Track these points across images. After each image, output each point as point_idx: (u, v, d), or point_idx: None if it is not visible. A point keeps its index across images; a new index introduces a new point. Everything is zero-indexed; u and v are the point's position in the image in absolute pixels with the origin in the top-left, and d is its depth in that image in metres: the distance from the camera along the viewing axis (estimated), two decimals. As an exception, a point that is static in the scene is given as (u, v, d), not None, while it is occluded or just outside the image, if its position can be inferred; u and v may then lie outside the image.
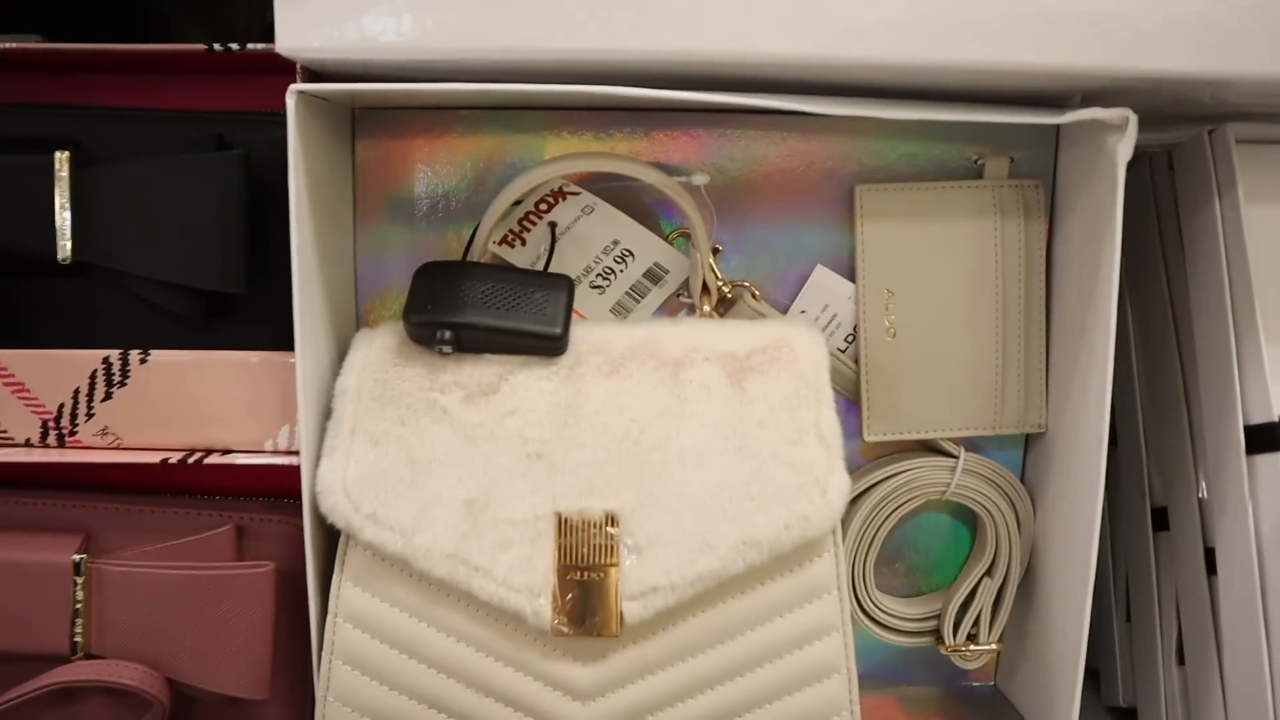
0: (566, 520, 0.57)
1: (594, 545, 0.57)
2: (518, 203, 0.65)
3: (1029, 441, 0.69)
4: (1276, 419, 0.60)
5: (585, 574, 0.56)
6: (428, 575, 0.57)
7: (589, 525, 0.57)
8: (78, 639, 0.61)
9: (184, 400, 0.62)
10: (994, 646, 0.69)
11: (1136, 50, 0.55)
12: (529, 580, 0.56)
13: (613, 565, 0.56)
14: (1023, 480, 0.69)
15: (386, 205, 0.68)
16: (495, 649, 0.57)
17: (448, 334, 0.59)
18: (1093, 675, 0.82)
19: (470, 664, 0.57)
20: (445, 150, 0.67)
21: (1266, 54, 0.56)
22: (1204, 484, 0.66)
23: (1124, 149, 0.58)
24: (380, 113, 0.67)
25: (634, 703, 0.57)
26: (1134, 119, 0.58)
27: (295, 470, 0.59)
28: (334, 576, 0.59)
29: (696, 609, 0.57)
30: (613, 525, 0.57)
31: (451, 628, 0.57)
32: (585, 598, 0.56)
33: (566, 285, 0.61)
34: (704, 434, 0.58)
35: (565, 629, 0.56)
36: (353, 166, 0.67)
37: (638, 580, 0.56)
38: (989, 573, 0.68)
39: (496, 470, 0.58)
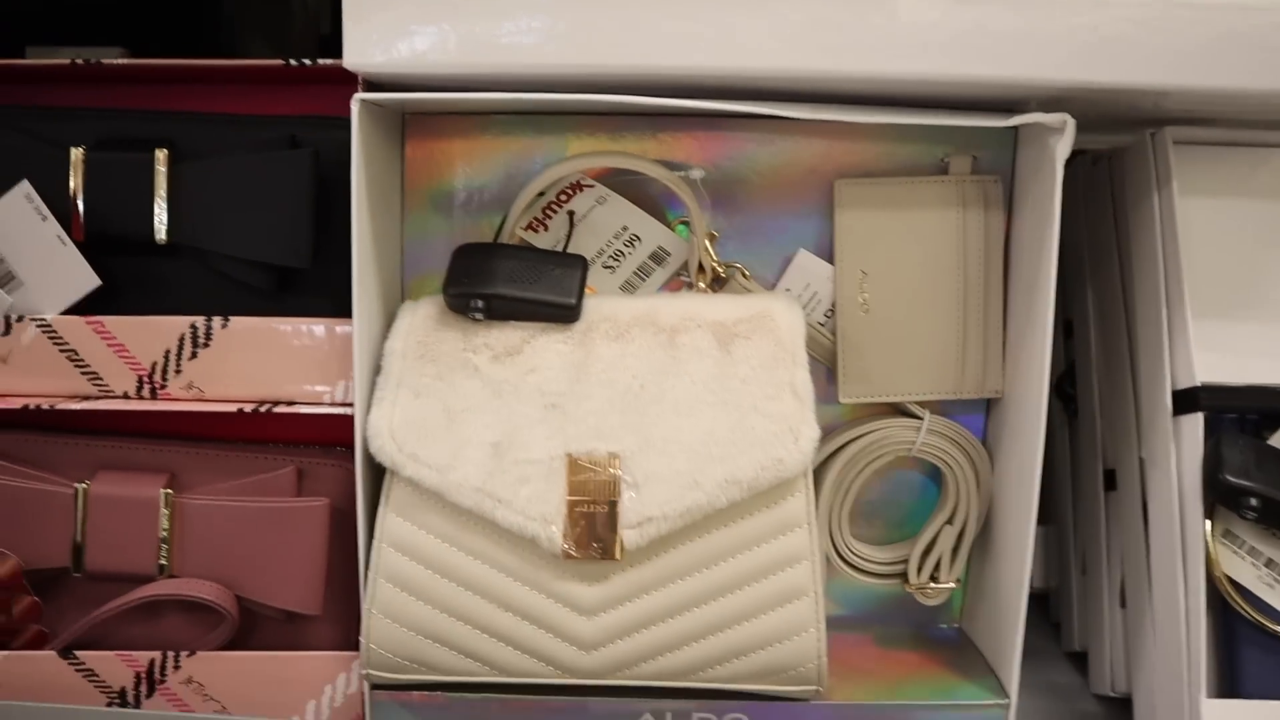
0: (576, 460, 0.67)
1: (599, 482, 0.67)
2: (541, 194, 0.75)
3: (989, 407, 0.78)
4: (1198, 384, 0.69)
5: (591, 506, 0.66)
6: (458, 506, 0.67)
7: (596, 464, 0.67)
8: (163, 562, 0.73)
9: (257, 360, 0.72)
10: (951, 585, 0.78)
11: (1071, 64, 0.64)
12: (544, 510, 0.66)
13: (615, 499, 0.66)
14: (984, 441, 0.78)
15: (430, 198, 0.78)
16: (514, 570, 0.67)
17: (480, 303, 0.70)
18: (1056, 627, 0.91)
19: (493, 583, 0.67)
20: (480, 150, 0.77)
21: (1196, 67, 0.64)
22: (1142, 446, 0.75)
23: (1062, 149, 0.67)
24: (426, 118, 0.77)
25: (631, 618, 0.67)
26: (1071, 122, 0.66)
27: (349, 420, 0.70)
28: (379, 508, 0.69)
29: (686, 538, 0.67)
30: (615, 465, 0.67)
31: (478, 552, 0.67)
32: (591, 526, 0.66)
33: (581, 263, 0.71)
34: (695, 389, 0.68)
35: (574, 552, 0.66)
36: (401, 164, 0.78)
37: (636, 512, 0.66)
38: (950, 521, 0.77)
39: (518, 418, 0.68)
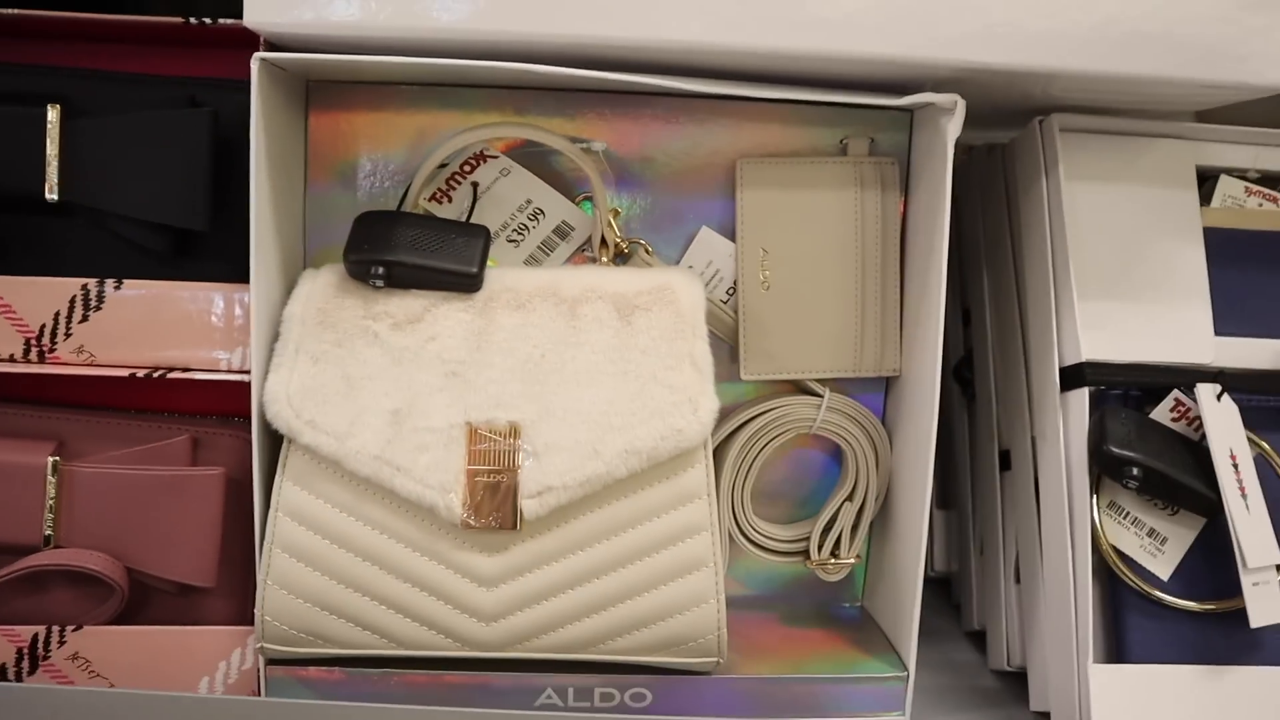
0: (476, 429, 0.67)
1: (499, 451, 0.66)
2: (444, 165, 0.75)
3: (888, 386, 0.80)
4: (1083, 360, 0.71)
5: (491, 475, 0.66)
6: (357, 474, 0.66)
7: (495, 433, 0.67)
8: (48, 532, 0.70)
9: (151, 324, 0.71)
10: (852, 560, 0.79)
11: (963, 45, 0.65)
12: (443, 479, 0.66)
13: (514, 468, 0.66)
14: (883, 421, 0.79)
15: (333, 170, 0.77)
16: (413, 541, 0.66)
17: (380, 270, 0.69)
18: (957, 609, 0.93)
19: (392, 553, 0.67)
20: (385, 122, 0.77)
21: (1081, 52, 0.66)
22: (1033, 424, 0.77)
23: (953, 128, 0.69)
24: (330, 87, 0.77)
25: (531, 589, 0.67)
26: (962, 103, 0.68)
27: (246, 388, 0.69)
28: (276, 477, 0.68)
29: (586, 509, 0.67)
30: (515, 434, 0.67)
31: (376, 522, 0.67)
32: (490, 496, 0.66)
33: (483, 233, 0.71)
34: (595, 359, 0.68)
35: (473, 522, 0.65)
36: (305, 133, 0.77)
37: (535, 481, 0.66)
38: (850, 498, 0.78)
39: (418, 386, 0.68)
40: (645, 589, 0.67)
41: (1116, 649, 0.71)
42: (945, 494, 0.95)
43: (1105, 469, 0.70)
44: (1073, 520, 0.71)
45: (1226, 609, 0.69)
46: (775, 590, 0.83)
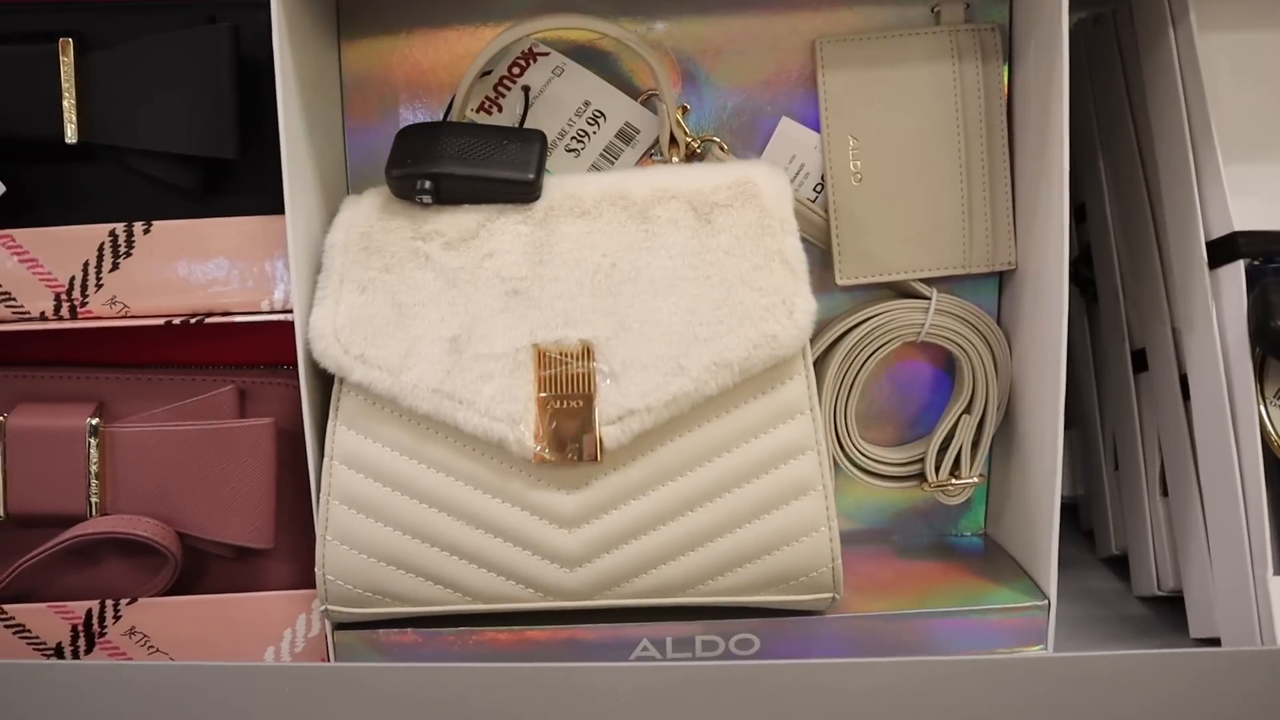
0: (544, 351, 0.60)
1: (571, 374, 0.59)
2: (489, 72, 0.68)
3: (1003, 282, 0.71)
4: (1235, 230, 0.62)
5: (564, 402, 0.59)
6: (415, 411, 0.60)
7: (566, 355, 0.59)
8: (94, 499, 0.65)
9: (186, 267, 0.65)
10: (975, 480, 0.70)
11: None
12: (510, 409, 0.59)
13: (590, 392, 0.59)
14: (999, 322, 0.71)
15: (371, 95, 0.71)
16: (483, 481, 0.60)
17: (427, 184, 0.62)
18: (1089, 536, 0.84)
19: (460, 497, 0.60)
20: (422, 39, 0.70)
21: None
22: (1174, 314, 0.68)
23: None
24: (362, 5, 0.70)
25: (618, 527, 0.60)
26: (1073, -54, 0.59)
27: (290, 331, 0.63)
28: (329, 422, 0.62)
29: (674, 433, 0.60)
30: (589, 354, 0.59)
31: (440, 463, 0.60)
32: (565, 424, 0.59)
33: (539, 137, 0.64)
34: (673, 264, 0.61)
35: (547, 455, 0.58)
36: (339, 55, 0.70)
37: (614, 405, 0.59)
38: (968, 410, 0.69)
39: (477, 308, 0.61)
40: (746, 520, 0.60)
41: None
42: (1067, 413, 0.86)
43: (1272, 349, 0.60)
44: (1235, 414, 0.62)
45: None
46: (888, 522, 0.75)
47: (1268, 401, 0.62)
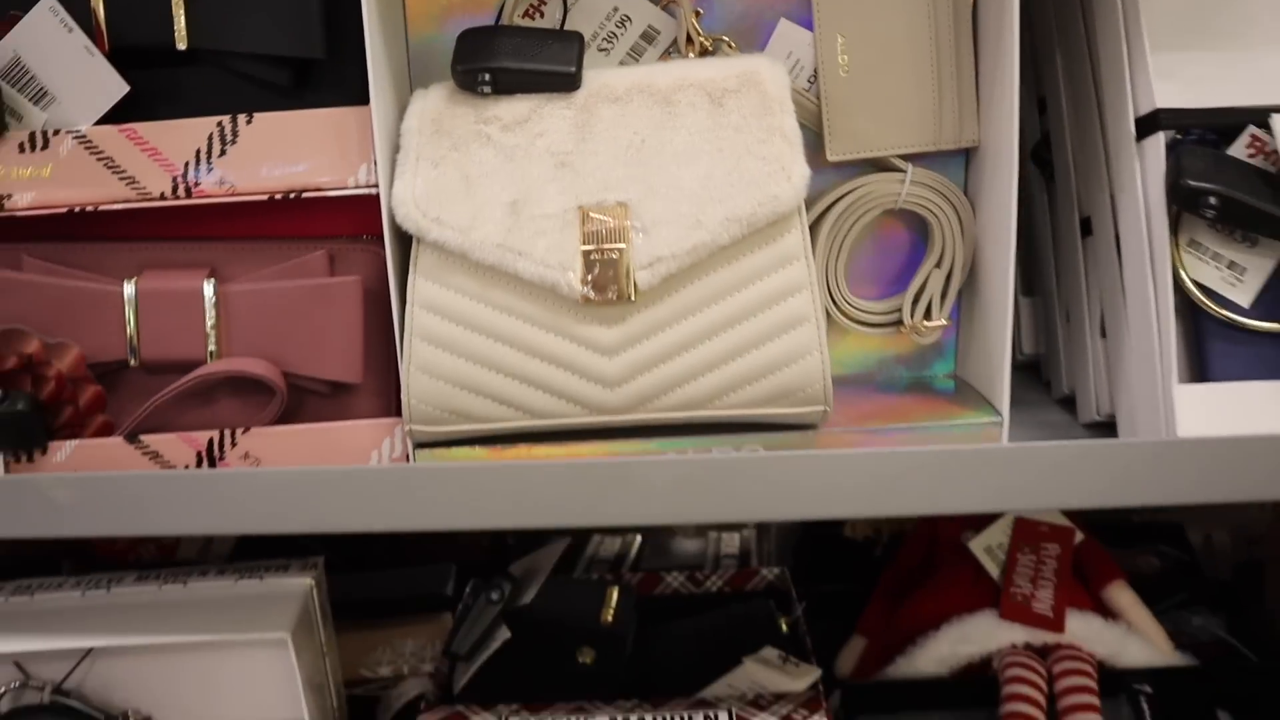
0: (588, 212, 0.72)
1: (610, 229, 0.72)
2: (533, -19, 0.81)
3: (969, 160, 0.84)
4: (1157, 107, 0.75)
5: (604, 252, 0.72)
6: (482, 263, 0.73)
7: (606, 213, 0.72)
8: (212, 348, 0.78)
9: (283, 151, 0.77)
10: (943, 322, 0.83)
11: None
12: (561, 258, 0.72)
13: (625, 244, 0.72)
14: (965, 193, 0.83)
15: (434, 4, 0.82)
16: (538, 319, 0.73)
17: (486, 76, 0.75)
18: (1047, 385, 0.97)
19: (520, 332, 0.73)
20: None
21: None
22: (1111, 183, 0.81)
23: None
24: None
25: (649, 355, 0.73)
26: None
27: (374, 205, 0.75)
28: (409, 275, 0.75)
29: (693, 277, 0.73)
30: (624, 213, 0.72)
31: (503, 305, 0.73)
32: (605, 271, 0.72)
33: (577, 37, 0.76)
34: (692, 140, 0.74)
35: (591, 296, 0.71)
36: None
37: (646, 253, 0.72)
38: (938, 265, 0.83)
39: (532, 179, 0.74)
40: (753, 346, 0.73)
41: (1200, 375, 0.75)
42: (1030, 281, 0.99)
43: (1183, 204, 0.73)
44: (1154, 259, 0.75)
45: (1309, 327, 0.73)
46: (872, 368, 0.89)
47: (1181, 249, 0.75)
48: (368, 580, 1.06)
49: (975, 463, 0.69)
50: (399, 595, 1.05)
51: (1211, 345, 0.74)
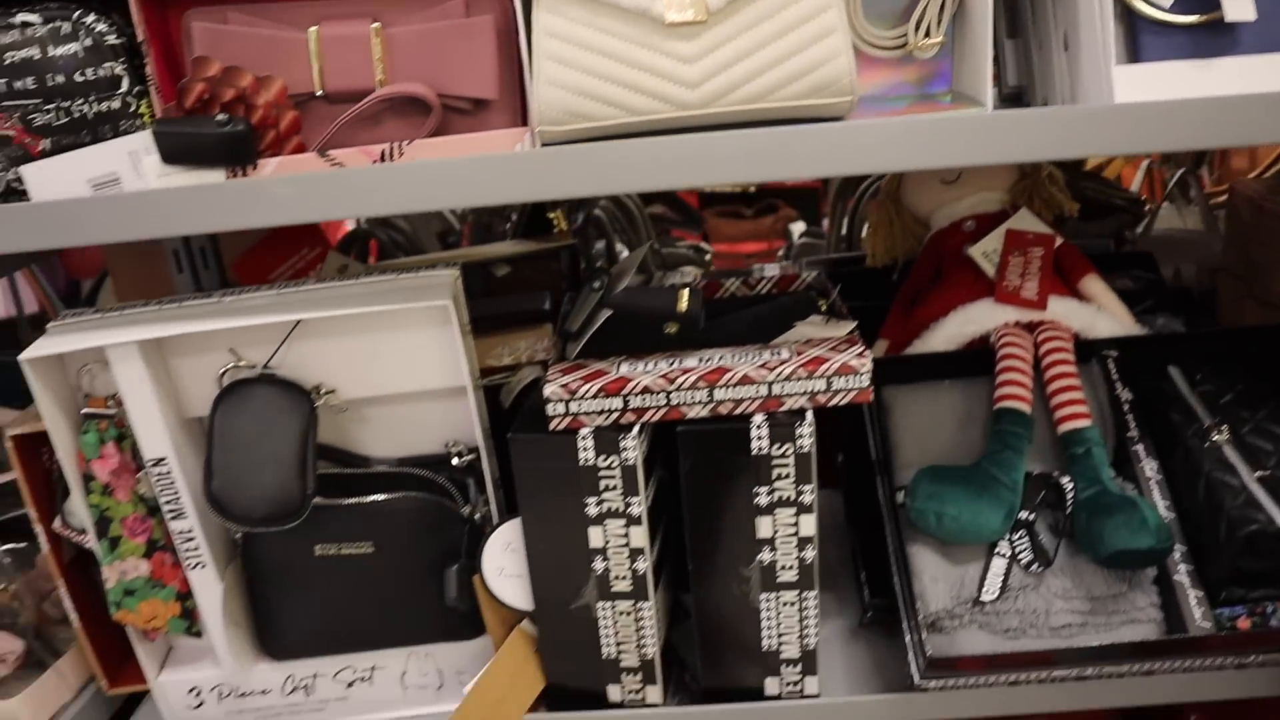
0: (669, -49, 0.96)
1: (687, -35, 0.95)
2: None
3: (957, -90, 1.06)
4: None
5: (684, -18, 0.95)
6: (591, -6, 0.96)
7: (683, -48, 0.95)
8: (380, 78, 1.02)
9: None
10: (940, 39, 1.07)
11: None
12: (651, -14, 0.95)
13: (700, -25, 0.95)
14: (955, -61, 1.06)
15: None
16: (635, 37, 0.96)
17: None
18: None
19: (621, 49, 0.96)
20: None
21: None
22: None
23: None
24: None
25: (719, 61, 0.95)
26: None
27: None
28: (534, 10, 0.98)
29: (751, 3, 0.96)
30: (697, -50, 0.95)
31: (608, 28, 0.96)
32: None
33: None
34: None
35: (674, 18, 0.95)
36: None
37: (716, -17, 0.95)
38: (934, -7, 1.06)
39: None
40: (796, 51, 0.96)
41: (1134, 59, 0.99)
42: (1013, 26, 1.22)
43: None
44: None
45: (1214, 19, 0.96)
46: (885, 91, 1.13)
47: (1122, -36, 0.98)
48: (482, 304, 1.32)
49: (972, 125, 0.93)
50: (509, 311, 1.31)
51: (1143, 39, 0.98)
